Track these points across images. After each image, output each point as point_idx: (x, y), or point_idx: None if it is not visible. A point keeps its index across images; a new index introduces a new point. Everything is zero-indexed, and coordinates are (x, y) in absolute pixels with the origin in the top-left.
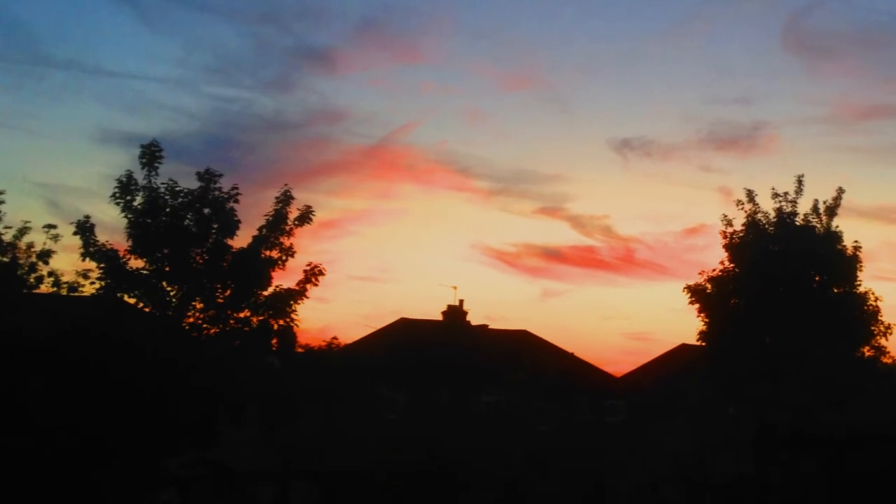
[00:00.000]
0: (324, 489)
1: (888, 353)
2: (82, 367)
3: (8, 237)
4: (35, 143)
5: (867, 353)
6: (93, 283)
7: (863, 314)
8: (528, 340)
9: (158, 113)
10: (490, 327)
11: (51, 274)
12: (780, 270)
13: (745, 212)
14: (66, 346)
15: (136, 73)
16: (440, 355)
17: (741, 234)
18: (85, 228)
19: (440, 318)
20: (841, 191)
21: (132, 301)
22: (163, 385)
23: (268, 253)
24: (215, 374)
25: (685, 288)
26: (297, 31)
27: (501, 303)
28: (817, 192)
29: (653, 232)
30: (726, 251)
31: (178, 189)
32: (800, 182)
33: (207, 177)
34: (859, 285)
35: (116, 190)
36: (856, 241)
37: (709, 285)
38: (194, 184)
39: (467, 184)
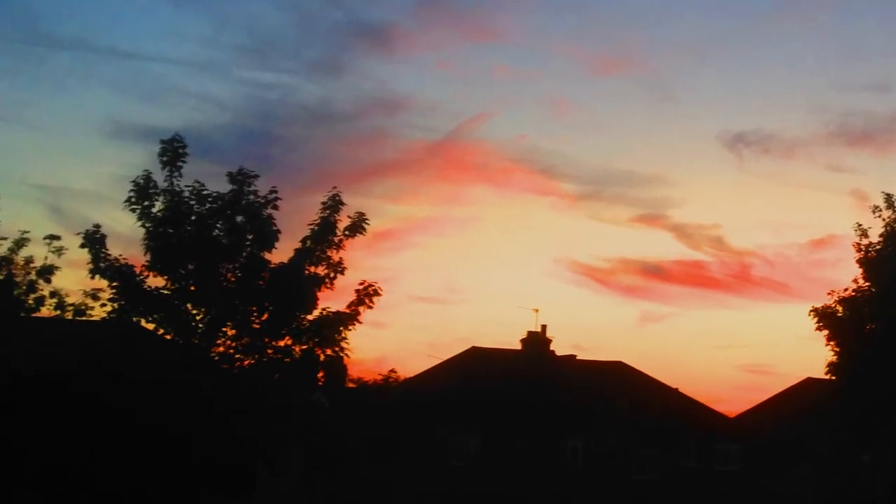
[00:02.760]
0: None
1: None
2: (91, 406)
3: (2, 250)
4: (35, 138)
5: None
6: (103, 304)
7: None
8: (623, 374)
9: (182, 102)
10: (578, 358)
11: (53, 294)
12: None
13: (884, 220)
14: (72, 382)
15: (155, 55)
16: (518, 391)
17: (878, 247)
18: (94, 240)
19: (518, 346)
20: None
21: (150, 326)
22: (187, 428)
23: (313, 269)
24: (250, 415)
25: (812, 311)
26: (348, 3)
27: (592, 329)
28: None
29: (772, 244)
30: (861, 267)
31: (205, 193)
32: None
33: (241, 178)
34: None
35: (132, 194)
36: None
37: (840, 308)
38: (225, 186)
39: (551, 186)
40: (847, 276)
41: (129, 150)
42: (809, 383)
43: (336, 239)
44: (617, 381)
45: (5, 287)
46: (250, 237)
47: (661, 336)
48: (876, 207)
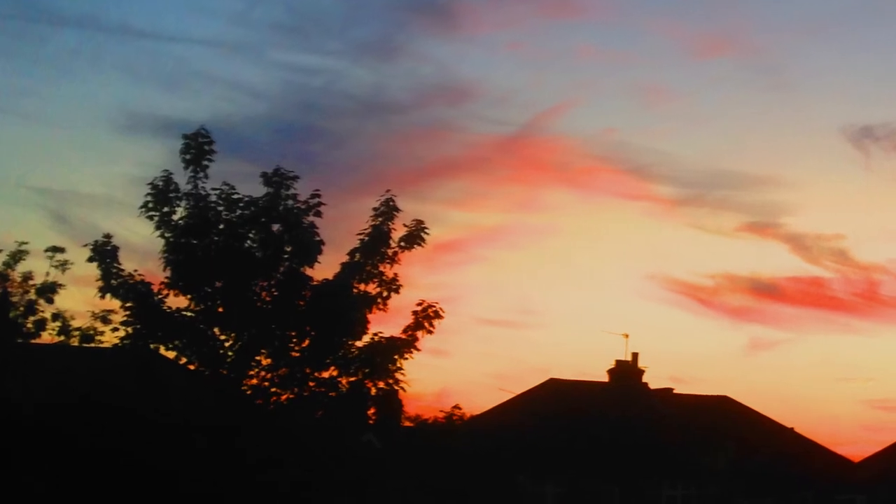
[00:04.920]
0: None
1: None
2: (99, 448)
3: None
4: (35, 133)
5: None
6: (115, 329)
7: None
8: (729, 410)
9: (209, 90)
10: (676, 392)
11: (56, 317)
12: None
13: None
14: (78, 420)
15: (176, 35)
16: (605, 431)
17: None
18: (104, 252)
19: (605, 378)
20: None
21: (171, 355)
22: (213, 474)
23: (362, 287)
24: (288, 459)
25: None
26: None
27: (692, 358)
28: None
29: None
30: None
31: (235, 197)
32: None
33: (277, 180)
34: None
35: (149, 198)
36: None
37: None
38: (259, 189)
39: (643, 189)
40: None
41: (145, 146)
42: None
43: (390, 251)
44: (721, 419)
45: (0, 308)
46: (288, 249)
47: (774, 366)
48: None
